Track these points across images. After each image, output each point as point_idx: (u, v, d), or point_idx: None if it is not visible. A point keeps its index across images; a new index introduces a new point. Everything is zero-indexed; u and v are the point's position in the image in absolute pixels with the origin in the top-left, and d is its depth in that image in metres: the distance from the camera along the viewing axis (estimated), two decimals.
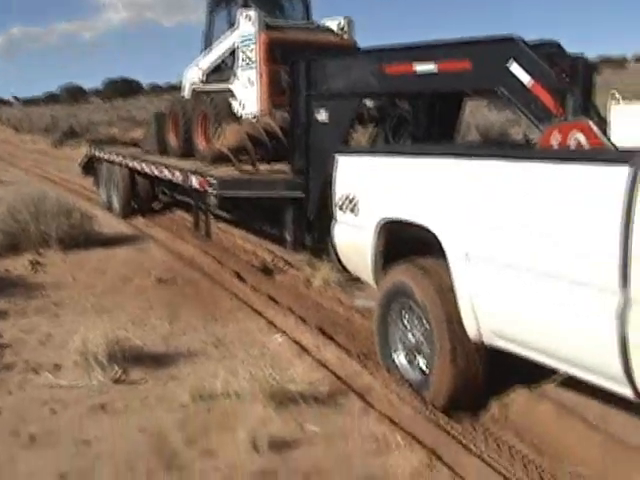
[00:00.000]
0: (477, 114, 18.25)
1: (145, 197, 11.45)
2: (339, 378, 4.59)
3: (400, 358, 4.64)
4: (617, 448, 3.71)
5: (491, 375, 4.27)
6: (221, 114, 9.58)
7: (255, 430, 3.76)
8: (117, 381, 4.55)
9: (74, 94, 75.74)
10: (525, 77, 4.68)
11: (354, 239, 4.97)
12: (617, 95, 3.96)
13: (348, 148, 5.95)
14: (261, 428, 3.83)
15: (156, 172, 9.79)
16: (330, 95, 7.00)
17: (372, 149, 6.75)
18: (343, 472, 3.51)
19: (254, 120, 8.95)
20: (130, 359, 4.81)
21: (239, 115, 9.67)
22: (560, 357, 3.48)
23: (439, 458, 3.61)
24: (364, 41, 11.94)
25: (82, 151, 15.78)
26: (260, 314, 5.96)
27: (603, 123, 4.08)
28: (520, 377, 4.45)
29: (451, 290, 4.03)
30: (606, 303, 3.04)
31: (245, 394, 4.17)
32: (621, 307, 2.97)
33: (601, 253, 3.05)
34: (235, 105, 9.85)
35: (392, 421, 3.99)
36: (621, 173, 2.98)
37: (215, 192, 7.82)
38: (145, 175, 10.52)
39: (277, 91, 9.07)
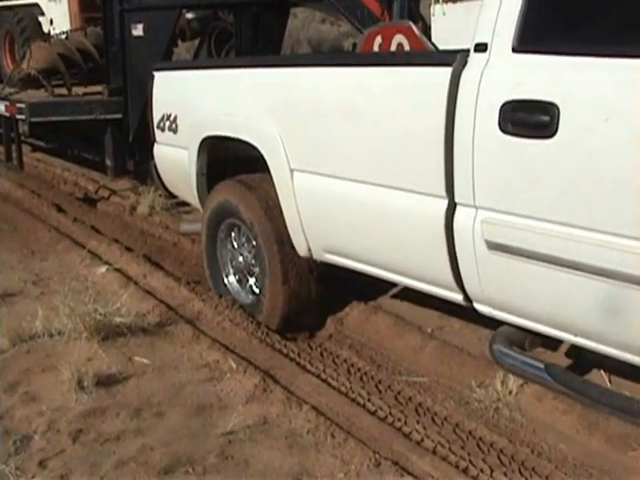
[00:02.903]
0: (309, 28, 17.99)
1: None
2: (168, 307, 4.37)
3: (231, 281, 4.48)
4: (454, 357, 3.76)
5: (326, 293, 4.21)
6: (28, 32, 8.82)
7: (80, 368, 3.51)
8: None
9: None
10: None
11: (176, 160, 4.69)
12: None
13: (165, 64, 5.59)
14: (86, 366, 3.60)
15: None
16: (146, 7, 6.57)
17: (189, 64, 6.41)
18: (176, 403, 3.36)
19: (65, 39, 8.30)
20: None
21: (48, 33, 8.95)
22: (391, 268, 3.43)
23: (275, 380, 3.52)
24: None
25: None
26: (82, 246, 5.59)
27: (427, 28, 4.01)
28: (356, 293, 4.44)
29: (278, 207, 3.87)
30: (433, 210, 2.98)
31: (68, 331, 3.91)
32: (448, 213, 2.92)
33: (426, 158, 2.97)
34: (43, 22, 9.09)
35: (225, 346, 3.86)
36: (443, 75, 2.89)
37: (25, 118, 7.22)
38: None
39: (89, 6, 8.46)
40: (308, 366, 3.81)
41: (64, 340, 3.90)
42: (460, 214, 2.89)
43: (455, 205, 2.90)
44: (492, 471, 2.87)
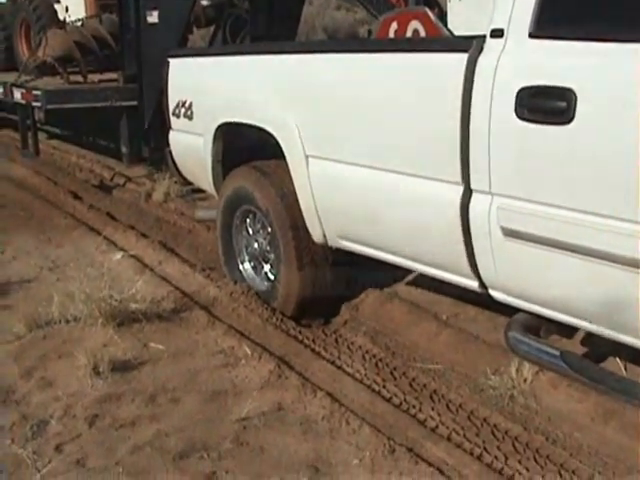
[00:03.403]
0: (325, 15, 17.91)
1: None
2: (183, 293, 4.39)
3: (246, 268, 4.48)
4: (469, 344, 3.74)
5: (341, 279, 4.20)
6: (44, 20, 8.82)
7: (96, 354, 3.53)
8: None
9: None
10: None
11: (191, 146, 4.69)
12: None
13: (180, 50, 5.58)
14: (102, 352, 3.61)
15: None
16: None
17: (205, 50, 6.39)
18: (191, 389, 3.37)
19: (81, 26, 8.31)
20: None
21: (64, 21, 8.96)
22: (406, 254, 3.41)
23: (289, 366, 3.52)
24: None
25: None
26: (98, 233, 5.61)
27: (443, 14, 3.98)
28: (370, 280, 4.43)
29: (294, 194, 3.87)
30: (448, 196, 2.96)
31: (83, 317, 3.93)
32: (464, 200, 2.91)
33: (442, 145, 2.95)
34: (59, 10, 9.10)
35: (240, 333, 3.86)
36: (459, 61, 2.87)
37: (41, 105, 7.24)
38: None
39: None
40: (323, 352, 3.81)
41: (80, 326, 3.92)
42: (476, 201, 2.87)
43: (471, 192, 2.89)
44: (507, 458, 2.86)
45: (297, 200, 3.85)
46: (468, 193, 2.89)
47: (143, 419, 3.14)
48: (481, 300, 3.43)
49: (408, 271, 4.01)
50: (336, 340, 3.99)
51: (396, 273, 4.18)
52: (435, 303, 4.24)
